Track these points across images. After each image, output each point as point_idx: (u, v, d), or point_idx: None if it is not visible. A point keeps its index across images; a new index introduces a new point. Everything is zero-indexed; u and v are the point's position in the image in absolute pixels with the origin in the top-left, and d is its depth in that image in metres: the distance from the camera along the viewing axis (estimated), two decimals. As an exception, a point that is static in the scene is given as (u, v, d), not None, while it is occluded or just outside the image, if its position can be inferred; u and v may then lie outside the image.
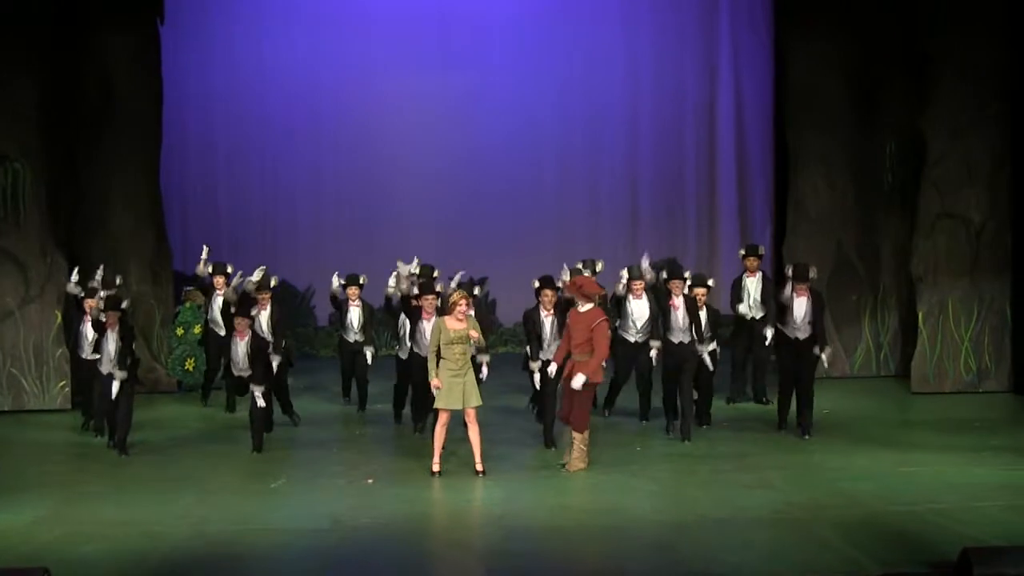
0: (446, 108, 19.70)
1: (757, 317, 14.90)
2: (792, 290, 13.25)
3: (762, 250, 15.28)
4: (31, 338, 15.60)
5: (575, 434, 11.77)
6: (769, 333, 14.02)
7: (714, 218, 20.04)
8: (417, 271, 13.80)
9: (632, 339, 13.94)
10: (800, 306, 13.20)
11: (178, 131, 18.71)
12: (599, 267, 14.45)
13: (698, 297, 13.36)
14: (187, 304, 16.41)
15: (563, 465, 11.84)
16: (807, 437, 13.04)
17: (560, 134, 19.91)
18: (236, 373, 13.32)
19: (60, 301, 15.50)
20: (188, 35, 19.03)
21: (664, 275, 13.42)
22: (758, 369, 15.09)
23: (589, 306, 11.80)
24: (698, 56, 19.97)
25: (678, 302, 13.07)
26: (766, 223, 19.79)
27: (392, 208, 19.66)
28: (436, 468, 11.65)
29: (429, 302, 13.05)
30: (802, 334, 13.23)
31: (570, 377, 11.76)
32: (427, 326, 12.98)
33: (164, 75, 17.20)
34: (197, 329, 15.96)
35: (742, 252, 15.27)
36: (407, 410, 14.01)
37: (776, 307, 13.63)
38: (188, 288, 16.83)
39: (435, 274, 13.83)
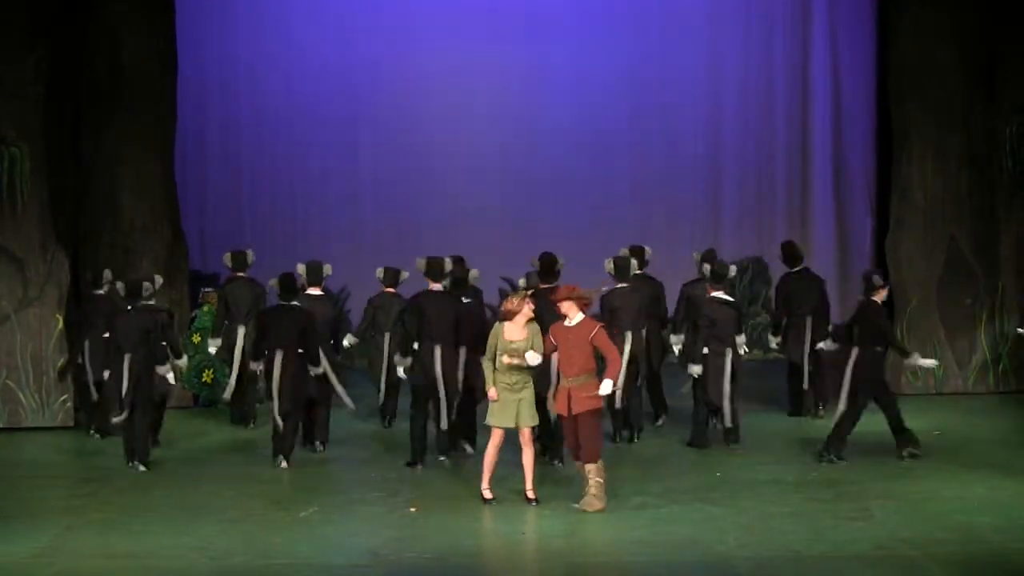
0: (500, 87, 19.71)
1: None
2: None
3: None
4: (29, 346, 15.69)
5: (588, 466, 11.37)
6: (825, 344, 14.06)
7: (807, 209, 19.96)
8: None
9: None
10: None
11: (196, 111, 18.84)
12: (647, 255, 14.49)
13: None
14: (205, 307, 16.50)
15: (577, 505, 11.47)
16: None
17: (632, 116, 19.87)
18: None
19: (62, 304, 15.61)
20: (207, 3, 19.13)
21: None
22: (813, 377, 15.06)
23: (580, 317, 11.44)
24: (788, 26, 19.91)
25: None
26: (866, 215, 19.68)
27: (438, 200, 19.66)
28: (488, 495, 11.67)
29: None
30: None
31: (566, 408, 11.37)
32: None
33: (180, 48, 17.32)
34: (216, 336, 16.07)
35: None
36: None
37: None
38: (206, 289, 16.93)
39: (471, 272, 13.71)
